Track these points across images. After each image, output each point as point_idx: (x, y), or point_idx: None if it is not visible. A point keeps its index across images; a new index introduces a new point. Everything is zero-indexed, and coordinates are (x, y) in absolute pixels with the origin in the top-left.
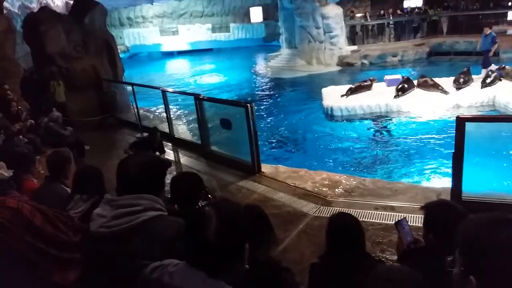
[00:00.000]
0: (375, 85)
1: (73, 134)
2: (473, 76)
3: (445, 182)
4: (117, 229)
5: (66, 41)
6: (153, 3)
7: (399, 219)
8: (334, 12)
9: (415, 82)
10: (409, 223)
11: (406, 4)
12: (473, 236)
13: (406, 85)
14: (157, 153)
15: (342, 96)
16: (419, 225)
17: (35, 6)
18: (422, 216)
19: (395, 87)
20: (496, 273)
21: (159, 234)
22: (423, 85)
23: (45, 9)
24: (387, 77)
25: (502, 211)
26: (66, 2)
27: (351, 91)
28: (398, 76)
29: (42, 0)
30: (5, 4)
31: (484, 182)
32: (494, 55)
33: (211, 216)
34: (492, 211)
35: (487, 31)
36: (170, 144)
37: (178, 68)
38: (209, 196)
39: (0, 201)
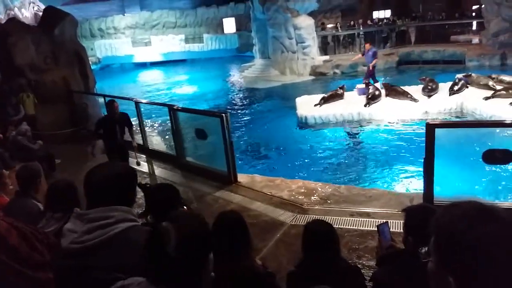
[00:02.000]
0: (347, 94)
1: (43, 148)
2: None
3: (418, 187)
4: (89, 244)
5: (35, 52)
6: (125, 14)
7: (381, 222)
8: (306, 23)
9: (383, 91)
10: (393, 229)
11: (375, 15)
12: (449, 229)
13: (375, 93)
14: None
15: (315, 105)
16: (395, 230)
17: (2, 18)
18: (402, 220)
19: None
20: (474, 272)
21: (134, 245)
22: (393, 94)
23: (13, 20)
24: (358, 86)
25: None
26: (35, 14)
27: (324, 101)
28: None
29: (10, 12)
30: None
31: (455, 187)
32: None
33: (169, 231)
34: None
35: (368, 46)
36: (144, 156)
37: (152, 79)
38: (185, 207)
39: None
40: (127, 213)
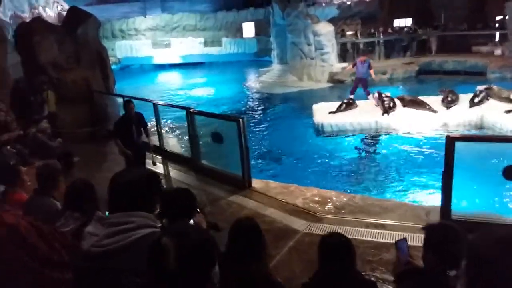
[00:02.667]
0: (365, 102)
1: (62, 146)
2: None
3: (434, 200)
4: (110, 248)
5: (58, 52)
6: (146, 16)
7: (400, 238)
8: (325, 29)
9: (399, 100)
10: (410, 243)
11: (396, 24)
12: (482, 255)
13: (393, 103)
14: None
15: (329, 113)
16: (410, 243)
17: (27, 16)
18: (417, 233)
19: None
20: None
21: None
22: (410, 104)
23: (39, 20)
24: (375, 95)
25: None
26: (59, 13)
27: (341, 108)
28: (388, 94)
29: (34, 10)
30: None
31: (473, 202)
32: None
33: (168, 247)
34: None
35: (363, 59)
36: (160, 157)
37: (170, 81)
38: (199, 211)
39: None
40: (147, 219)
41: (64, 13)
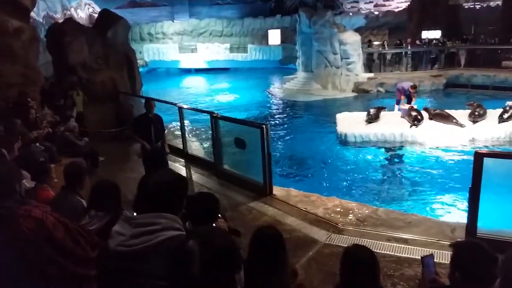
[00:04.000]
0: (390, 113)
1: (88, 145)
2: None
3: (458, 217)
4: (135, 248)
5: (88, 53)
6: (174, 21)
7: (426, 254)
8: (352, 38)
9: (427, 114)
10: (434, 260)
11: (424, 35)
12: None
13: (420, 116)
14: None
15: (366, 121)
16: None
17: (59, 17)
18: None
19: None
20: None
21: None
22: (437, 117)
23: (70, 21)
24: (402, 106)
25: None
26: (90, 15)
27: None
28: (415, 106)
29: (66, 12)
30: (31, 13)
31: (499, 220)
32: None
33: (194, 251)
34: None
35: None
36: (183, 160)
37: (195, 85)
38: (220, 216)
39: (26, 210)
40: (173, 221)
41: (95, 15)
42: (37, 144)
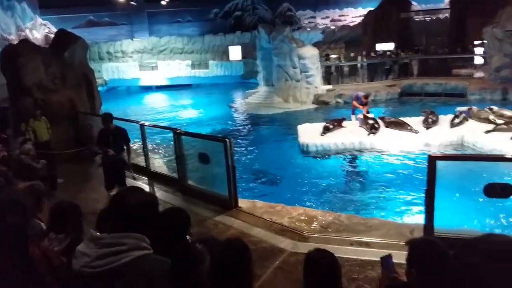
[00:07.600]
0: (349, 123)
1: (45, 167)
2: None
3: (418, 218)
4: (100, 270)
5: (45, 73)
6: (134, 39)
7: (385, 254)
8: (310, 53)
9: (382, 122)
10: (394, 260)
11: (378, 47)
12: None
13: (377, 124)
14: None
15: (321, 134)
16: (395, 261)
17: (14, 38)
18: (401, 251)
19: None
20: None
21: (144, 275)
22: (393, 125)
23: (25, 41)
24: (359, 116)
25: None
26: (46, 35)
27: (328, 129)
28: (371, 115)
29: (21, 32)
30: None
31: (455, 219)
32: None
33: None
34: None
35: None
36: (146, 178)
37: (157, 103)
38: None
39: None
40: (140, 241)
41: (52, 36)
42: None
